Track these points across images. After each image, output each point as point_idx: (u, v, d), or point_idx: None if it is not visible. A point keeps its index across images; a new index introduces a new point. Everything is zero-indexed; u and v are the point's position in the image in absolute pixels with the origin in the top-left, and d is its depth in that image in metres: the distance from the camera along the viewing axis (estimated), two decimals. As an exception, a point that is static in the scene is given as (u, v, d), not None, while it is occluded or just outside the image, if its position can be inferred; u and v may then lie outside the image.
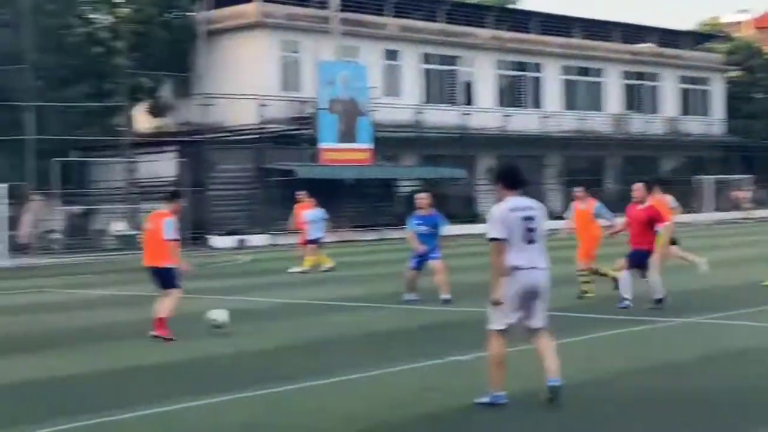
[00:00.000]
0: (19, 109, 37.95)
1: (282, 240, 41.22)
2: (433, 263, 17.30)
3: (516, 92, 54.82)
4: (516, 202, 8.78)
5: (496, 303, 8.68)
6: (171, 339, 13.52)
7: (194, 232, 39.37)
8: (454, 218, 49.13)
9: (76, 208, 41.20)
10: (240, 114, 42.72)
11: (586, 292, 17.18)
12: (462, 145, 49.73)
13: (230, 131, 43.73)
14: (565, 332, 11.94)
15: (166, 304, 13.79)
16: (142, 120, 47.23)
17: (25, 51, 37.40)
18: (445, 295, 17.08)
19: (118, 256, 34.63)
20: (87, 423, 8.67)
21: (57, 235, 37.97)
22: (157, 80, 44.86)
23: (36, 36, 38.84)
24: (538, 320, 8.87)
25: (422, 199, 17.77)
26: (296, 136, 44.54)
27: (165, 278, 14.00)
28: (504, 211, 8.69)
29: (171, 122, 46.10)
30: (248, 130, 43.27)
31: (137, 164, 43.33)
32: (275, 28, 45.16)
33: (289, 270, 25.26)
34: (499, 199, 8.91)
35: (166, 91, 46.13)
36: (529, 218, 8.71)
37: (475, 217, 49.94)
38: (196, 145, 41.99)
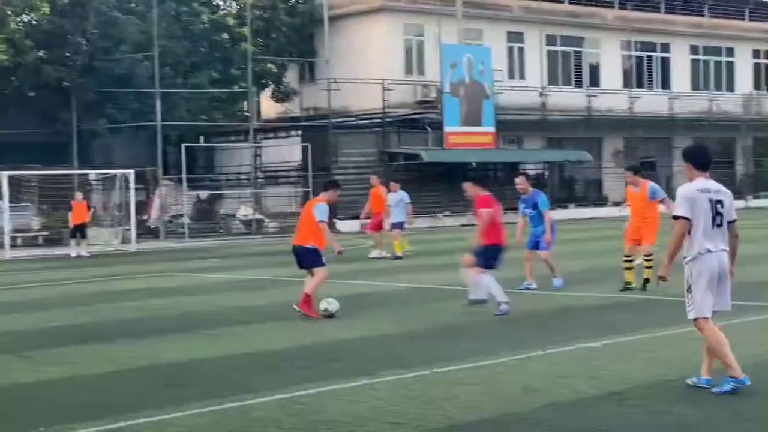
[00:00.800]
0: (147, 96, 38.71)
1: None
2: (540, 253, 16.80)
3: (643, 73, 53.50)
4: (705, 184, 8.65)
5: (662, 278, 8.68)
6: (315, 317, 13.79)
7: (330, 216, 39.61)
8: (581, 201, 48.70)
9: (203, 193, 41.88)
10: (364, 98, 42.73)
11: (630, 284, 16.28)
12: (587, 128, 48.81)
13: (354, 116, 43.81)
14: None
15: (312, 282, 14.16)
16: (267, 105, 47.70)
17: (153, 39, 38.11)
18: (556, 280, 16.73)
19: (243, 240, 35.06)
20: (217, 408, 8.62)
21: (184, 220, 38.65)
22: (282, 66, 45.21)
23: (163, 24, 39.53)
24: (726, 303, 8.74)
25: (517, 182, 17.23)
26: (420, 120, 44.36)
27: (307, 257, 14.33)
28: (692, 191, 8.58)
29: (296, 107, 46.43)
30: (372, 114, 43.27)
31: (262, 149, 43.81)
32: (399, 11, 44.99)
33: (369, 256, 25.12)
34: (690, 179, 8.77)
35: (291, 77, 46.46)
36: (718, 201, 8.59)
37: (602, 201, 49.05)
38: (321, 130, 42.18)
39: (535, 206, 16.73)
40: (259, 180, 43.01)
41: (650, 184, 16.82)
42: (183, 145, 38.60)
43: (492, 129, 45.00)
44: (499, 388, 9.24)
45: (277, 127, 45.71)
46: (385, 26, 44.69)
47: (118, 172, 35.58)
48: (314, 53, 46.08)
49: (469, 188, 14.76)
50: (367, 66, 43.22)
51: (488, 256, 14.14)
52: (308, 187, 40.74)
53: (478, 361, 10.42)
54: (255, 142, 42.91)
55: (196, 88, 40.42)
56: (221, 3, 44.85)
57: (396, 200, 25.56)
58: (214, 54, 42.06)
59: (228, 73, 42.31)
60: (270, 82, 45.31)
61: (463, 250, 25.65)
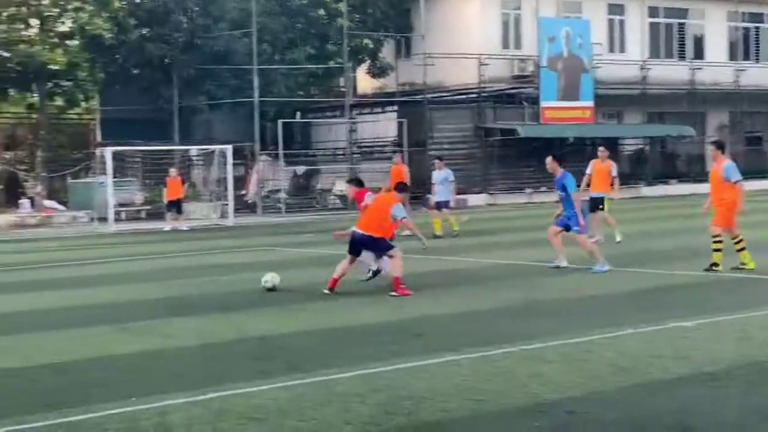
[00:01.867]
0: (245, 72, 39.15)
1: (501, 200, 40.96)
2: (576, 237, 16.52)
3: (750, 45, 52.02)
4: None
5: None
6: (409, 294, 13.89)
7: (414, 192, 39.59)
8: (683, 177, 47.71)
9: (300, 168, 42.25)
10: (460, 73, 42.47)
11: (717, 265, 15.61)
12: (690, 102, 47.71)
13: (450, 91, 43.60)
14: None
15: (395, 265, 14.25)
16: (363, 81, 47.79)
17: (251, 16, 38.47)
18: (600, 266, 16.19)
19: (339, 215, 35.27)
20: (302, 381, 8.72)
21: (281, 195, 39.05)
22: (378, 41, 45.21)
23: (262, 1, 39.87)
24: None
25: (546, 163, 16.96)
26: (517, 95, 43.95)
27: (376, 244, 14.57)
28: None
29: (392, 83, 46.41)
30: (468, 89, 43.00)
31: (358, 125, 43.95)
32: (496, -15, 44.55)
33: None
34: None
35: (387, 52, 46.43)
36: None
37: (703, 177, 48.00)
38: (416, 106, 42.12)
39: (563, 188, 16.51)
40: (355, 155, 43.17)
41: (726, 163, 15.87)
42: (280, 121, 38.96)
43: (590, 103, 44.37)
44: (587, 366, 9.14)
45: (373, 103, 45.79)
46: (482, 0, 44.29)
47: (217, 147, 36.13)
48: (410, 28, 45.95)
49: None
50: (463, 41, 42.93)
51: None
52: (403, 163, 40.74)
53: (566, 339, 10.33)
54: (351, 118, 43.06)
55: (293, 64, 40.71)
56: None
57: (441, 179, 25.40)
58: (311, 30, 42.29)
59: (324, 49, 42.51)
60: (366, 58, 45.37)
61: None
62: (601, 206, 20.97)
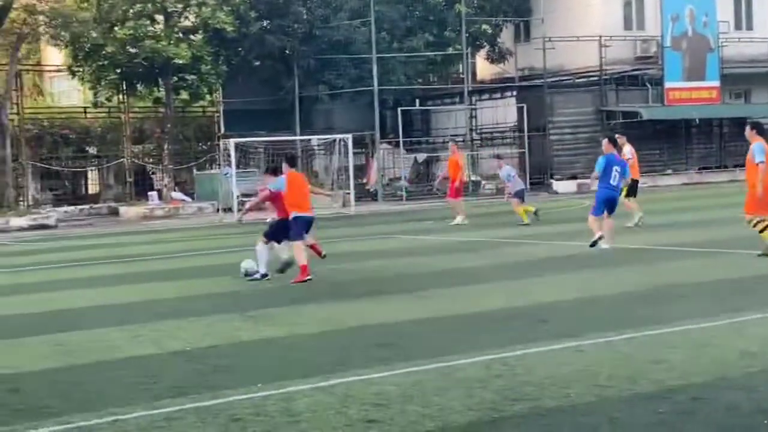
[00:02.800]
0: (364, 61, 39.40)
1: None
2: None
3: None
4: None
5: None
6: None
7: (536, 177, 39.38)
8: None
9: (420, 156, 42.35)
10: (580, 56, 41.93)
11: None
12: (823, 80, 46.10)
13: (571, 74, 43.10)
14: None
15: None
16: (482, 66, 47.59)
17: (369, 5, 38.69)
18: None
19: (462, 203, 35.23)
20: (423, 368, 8.77)
21: (402, 183, 39.20)
22: (497, 26, 44.95)
23: (380, -11, 40.06)
24: None
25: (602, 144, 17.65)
26: (639, 76, 43.15)
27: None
28: None
29: (511, 68, 46.11)
30: (589, 72, 42.43)
31: (478, 111, 43.80)
32: (616, -35, 43.76)
33: (450, 223, 25.00)
34: None
35: (505, 37, 46.14)
36: None
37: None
38: (536, 90, 41.76)
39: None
40: (475, 141, 43.05)
41: (756, 144, 15.06)
42: (399, 109, 39.11)
43: (716, 83, 43.29)
44: (713, 352, 8.96)
45: (492, 88, 45.55)
46: (603, -19, 43.55)
47: (338, 137, 36.48)
48: (529, 12, 45.53)
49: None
50: (584, 23, 42.33)
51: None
52: (524, 148, 40.52)
53: (692, 324, 10.14)
54: (470, 104, 42.94)
55: (412, 51, 40.81)
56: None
57: (506, 175, 25.13)
58: (429, 17, 42.30)
59: (443, 36, 42.48)
60: (485, 43, 45.17)
61: (685, 209, 24.97)
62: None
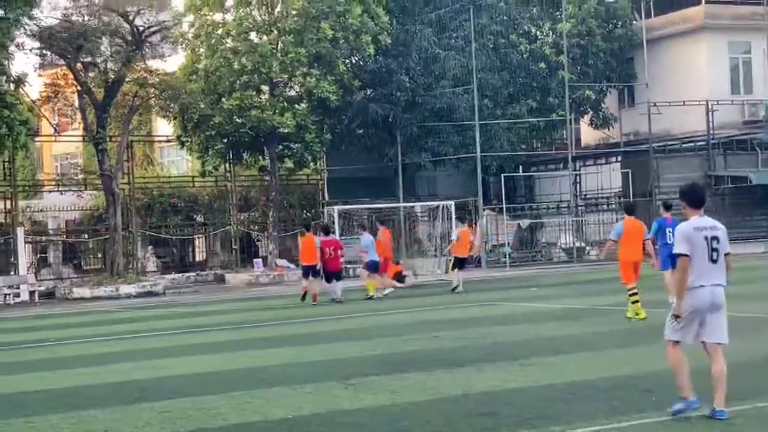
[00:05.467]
0: (467, 128, 39.50)
1: (736, 249, 39.29)
2: None
3: None
4: (700, 222, 9.13)
5: (676, 317, 9.05)
6: None
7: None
8: None
9: (523, 222, 42.08)
10: (686, 120, 41.39)
11: None
12: None
13: (677, 139, 42.49)
14: None
15: None
16: (586, 132, 47.29)
17: (471, 72, 38.89)
18: None
19: (565, 268, 34.83)
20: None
21: (505, 249, 38.95)
22: (601, 91, 44.71)
23: (482, 57, 40.26)
24: (718, 336, 9.14)
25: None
26: (748, 140, 42.32)
27: None
28: (689, 229, 9.08)
29: (615, 133, 45.71)
30: (696, 136, 41.80)
31: (582, 176, 43.43)
32: (722, 29, 43.25)
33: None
34: (686, 216, 9.30)
35: (609, 102, 45.84)
36: (714, 238, 9.06)
37: None
38: (642, 155, 41.24)
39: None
40: (579, 207, 42.64)
41: None
42: (503, 175, 39.02)
43: (830, 146, 42.21)
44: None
45: (597, 154, 45.19)
46: (708, 45, 43.08)
47: (441, 203, 36.50)
48: (633, 77, 45.21)
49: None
50: (689, 87, 41.85)
51: None
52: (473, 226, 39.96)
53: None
54: (574, 170, 42.62)
55: (515, 118, 40.79)
56: (538, 33, 45.05)
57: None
58: (532, 83, 42.31)
59: (546, 102, 42.41)
60: (588, 109, 44.93)
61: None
62: None
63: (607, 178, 42.61)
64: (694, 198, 9.34)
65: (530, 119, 41.42)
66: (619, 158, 43.06)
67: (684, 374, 9.11)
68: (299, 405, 10.82)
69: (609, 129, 45.55)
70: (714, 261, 9.05)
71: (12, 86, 32.47)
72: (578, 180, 43.20)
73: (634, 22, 45.18)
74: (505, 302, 23.28)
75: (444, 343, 15.75)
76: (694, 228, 9.07)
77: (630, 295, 17.46)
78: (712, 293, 9.03)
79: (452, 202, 35.16)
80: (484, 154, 39.33)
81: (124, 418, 10.61)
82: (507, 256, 38.50)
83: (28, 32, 33.47)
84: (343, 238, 34.15)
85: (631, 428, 8.79)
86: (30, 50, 34.21)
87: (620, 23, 45.05)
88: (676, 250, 9.13)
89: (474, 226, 40.16)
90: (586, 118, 45.67)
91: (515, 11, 43.26)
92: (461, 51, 40.72)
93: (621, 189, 41.55)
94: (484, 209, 40.03)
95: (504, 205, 39.70)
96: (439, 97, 40.02)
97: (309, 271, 26.14)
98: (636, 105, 44.08)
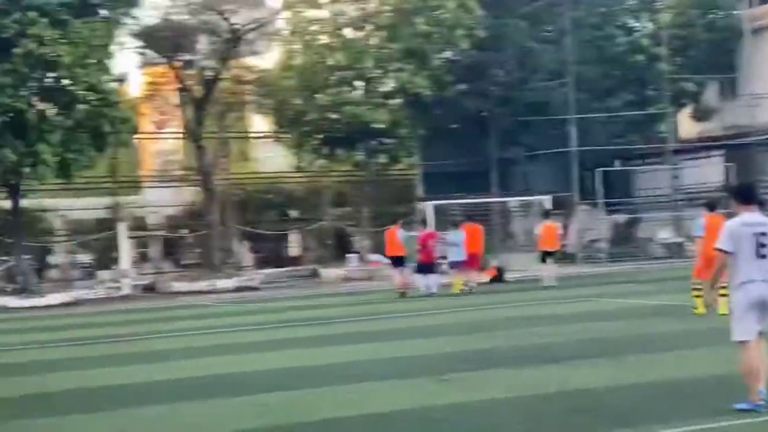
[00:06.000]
0: (563, 122, 39.07)
1: None
2: None
3: None
4: (750, 218, 9.16)
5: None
6: None
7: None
8: None
9: (621, 217, 41.45)
10: (790, 113, 40.26)
11: None
12: None
13: (781, 131, 41.37)
14: None
15: None
16: (685, 125, 46.34)
17: (567, 65, 38.44)
18: None
19: (663, 264, 34.23)
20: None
21: (602, 244, 38.43)
22: (701, 84, 43.74)
23: (578, 50, 39.76)
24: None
25: None
26: None
27: None
28: (736, 225, 9.16)
29: (716, 126, 44.68)
30: (800, 129, 40.62)
31: (681, 170, 42.59)
32: (828, 18, 41.96)
33: None
34: (736, 213, 9.34)
35: (710, 95, 44.83)
36: (762, 234, 9.07)
37: None
38: (745, 148, 40.25)
39: None
40: (679, 202, 41.81)
41: None
42: (598, 170, 38.49)
43: None
44: None
45: (697, 147, 44.23)
46: (813, 35, 41.83)
47: (535, 198, 36.16)
48: (735, 68, 44.11)
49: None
50: (794, 78, 40.71)
51: None
52: (730, 208, 38.94)
53: None
54: (673, 164, 41.82)
55: (611, 111, 40.18)
56: (636, 25, 44.25)
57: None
58: (629, 76, 41.59)
59: (644, 95, 41.65)
60: (688, 101, 44.03)
61: None
62: None
63: (708, 172, 41.67)
64: (744, 195, 9.44)
65: (628, 112, 40.74)
66: (721, 152, 42.08)
67: (756, 375, 9.05)
68: (392, 400, 10.80)
69: (710, 121, 44.56)
70: (762, 257, 9.03)
71: (114, 85, 33.15)
72: (678, 174, 42.37)
73: (736, 11, 44.08)
74: (600, 298, 22.97)
75: (537, 339, 15.58)
76: (743, 224, 9.14)
77: (697, 290, 17.66)
78: (762, 288, 9.00)
79: (548, 197, 34.77)
80: (579, 148, 38.84)
81: (222, 411, 10.74)
82: (603, 252, 37.95)
83: (130, 32, 34.18)
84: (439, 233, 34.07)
85: (732, 428, 8.57)
86: (132, 49, 34.95)
87: (721, 13, 43.99)
88: (716, 245, 9.24)
89: (570, 221, 39.79)
90: (686, 110, 44.75)
91: (613, 3, 42.56)
92: (556, 44, 40.27)
93: (723, 183, 40.60)
94: (579, 204, 39.53)
95: (600, 200, 39.12)
96: (534, 90, 39.64)
97: (397, 263, 26.37)
98: (738, 97, 43.02)
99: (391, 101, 37.87)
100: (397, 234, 27.88)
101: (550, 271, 27.86)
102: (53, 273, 36.93)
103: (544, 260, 28.04)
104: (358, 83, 38.38)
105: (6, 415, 11.18)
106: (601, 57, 41.11)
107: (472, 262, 27.91)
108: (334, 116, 37.07)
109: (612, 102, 40.51)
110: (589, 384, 11.14)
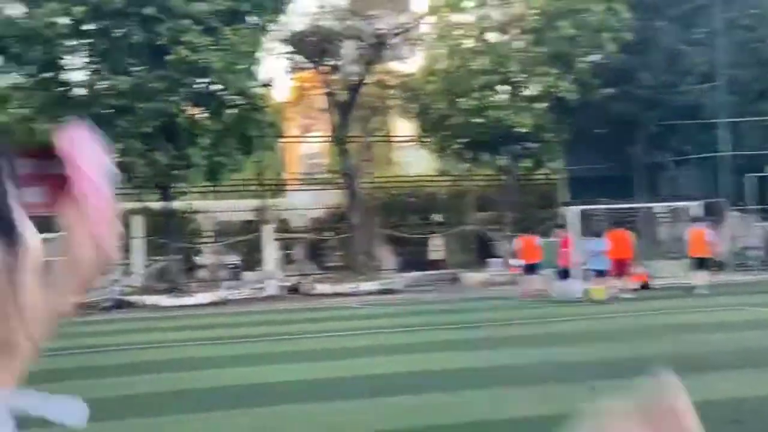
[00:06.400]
0: (714, 125, 38.02)
1: None
2: None
3: None
4: None
5: None
6: None
7: None
8: None
9: (774, 225, 40.06)
10: None
11: None
12: None
13: None
14: None
15: None
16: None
17: (718, 68, 37.39)
18: None
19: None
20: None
21: (754, 252, 37.21)
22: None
23: (730, 52, 38.64)
24: None
25: None
26: None
27: None
28: None
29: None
30: None
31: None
32: None
33: None
34: None
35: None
36: None
37: None
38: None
39: None
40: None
41: None
42: (749, 175, 37.33)
43: None
44: None
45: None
46: None
47: (684, 204, 35.26)
48: None
49: None
50: None
51: None
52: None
53: None
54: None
55: (763, 115, 38.91)
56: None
57: None
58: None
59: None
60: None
61: None
62: None
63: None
64: None
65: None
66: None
67: None
68: (535, 405, 10.69)
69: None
70: None
71: (261, 89, 33.88)
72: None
73: None
74: (751, 307, 22.24)
75: (685, 348, 15.19)
76: None
77: None
78: None
79: (698, 203, 33.87)
80: (731, 153, 37.73)
81: (370, 411, 10.79)
82: (756, 260, 36.76)
83: (279, 38, 34.88)
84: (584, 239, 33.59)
85: None
86: (280, 54, 35.65)
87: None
88: None
89: (720, 227, 38.64)
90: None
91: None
92: (707, 46, 39.22)
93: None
94: (731, 210, 38.39)
95: (751, 206, 37.89)
96: (683, 94, 38.70)
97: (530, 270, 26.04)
98: None
99: (536, 105, 37.56)
100: (535, 241, 27.72)
101: (701, 278, 27.13)
102: (201, 273, 37.94)
103: (698, 267, 27.29)
104: (502, 87, 38.20)
105: (154, 411, 11.51)
106: (754, 59, 39.86)
107: (619, 269, 27.38)
108: (477, 120, 36.99)
109: (764, 105, 39.23)
110: (740, 394, 10.81)
